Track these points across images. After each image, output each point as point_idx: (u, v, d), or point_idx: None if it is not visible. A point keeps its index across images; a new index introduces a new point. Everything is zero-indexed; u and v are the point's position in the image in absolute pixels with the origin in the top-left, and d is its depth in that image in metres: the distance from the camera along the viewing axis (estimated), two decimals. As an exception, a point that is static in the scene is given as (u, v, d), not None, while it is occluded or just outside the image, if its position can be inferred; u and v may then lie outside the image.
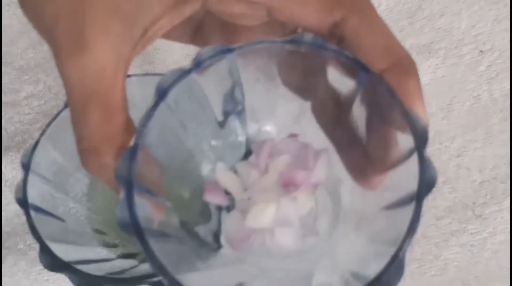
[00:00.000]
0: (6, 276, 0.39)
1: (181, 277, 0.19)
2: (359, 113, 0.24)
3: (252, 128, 0.28)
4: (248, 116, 0.27)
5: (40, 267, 0.38)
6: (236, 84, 0.25)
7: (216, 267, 0.25)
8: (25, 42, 0.46)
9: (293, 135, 0.26)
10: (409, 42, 0.43)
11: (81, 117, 0.21)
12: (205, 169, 0.27)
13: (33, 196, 0.32)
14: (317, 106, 0.26)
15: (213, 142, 0.27)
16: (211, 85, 0.24)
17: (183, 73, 0.21)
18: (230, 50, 0.22)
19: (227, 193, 0.26)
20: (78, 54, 0.21)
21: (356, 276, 0.21)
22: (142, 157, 0.20)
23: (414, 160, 0.20)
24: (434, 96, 0.42)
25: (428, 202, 0.40)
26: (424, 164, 0.20)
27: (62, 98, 0.43)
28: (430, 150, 0.43)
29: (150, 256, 0.19)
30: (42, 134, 0.33)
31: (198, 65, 0.21)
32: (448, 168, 0.40)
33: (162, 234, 0.22)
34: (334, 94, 0.24)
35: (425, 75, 0.42)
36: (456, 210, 0.39)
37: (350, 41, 0.22)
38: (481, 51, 0.42)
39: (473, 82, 0.42)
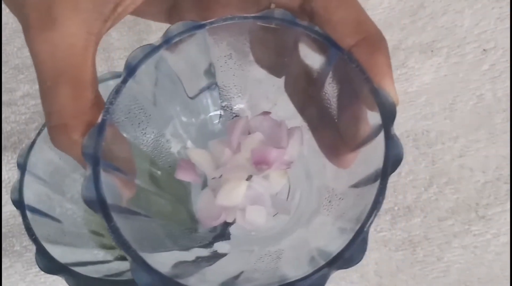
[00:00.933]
0: (2, 278, 0.39)
1: (146, 255, 0.19)
2: (331, 90, 0.24)
3: (225, 105, 0.28)
4: (221, 94, 0.27)
5: (36, 269, 0.38)
6: (210, 61, 0.25)
7: (189, 246, 0.25)
8: (21, 40, 0.46)
9: (266, 113, 0.26)
10: (411, 40, 0.42)
11: (50, 93, 0.21)
12: (177, 147, 0.27)
13: (29, 197, 0.31)
14: (290, 84, 0.26)
15: (184, 119, 0.27)
16: (183, 62, 0.24)
17: (152, 50, 0.21)
18: (200, 26, 0.22)
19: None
20: (47, 30, 0.21)
21: (321, 253, 0.21)
22: (110, 134, 0.20)
23: (382, 137, 0.20)
24: (436, 95, 0.41)
25: (431, 203, 0.40)
26: (390, 141, 0.20)
27: (59, 97, 0.43)
28: (433, 150, 0.42)
29: (114, 232, 0.19)
30: (38, 134, 0.33)
31: (167, 41, 0.21)
32: (450, 168, 0.40)
33: (131, 212, 0.22)
34: (306, 71, 0.24)
35: (427, 74, 0.41)
36: (459, 211, 0.39)
37: (320, 16, 0.22)
38: (484, 50, 0.42)
39: (476, 81, 0.41)
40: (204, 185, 0.26)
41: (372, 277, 0.38)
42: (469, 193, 0.39)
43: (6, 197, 0.40)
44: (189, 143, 0.27)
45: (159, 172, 0.27)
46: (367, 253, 0.19)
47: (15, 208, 0.31)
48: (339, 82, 0.23)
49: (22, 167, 0.32)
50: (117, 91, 0.21)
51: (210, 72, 0.26)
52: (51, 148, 0.33)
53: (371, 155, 0.21)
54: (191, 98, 0.27)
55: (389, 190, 0.40)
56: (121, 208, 0.21)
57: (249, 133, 0.25)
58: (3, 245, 0.40)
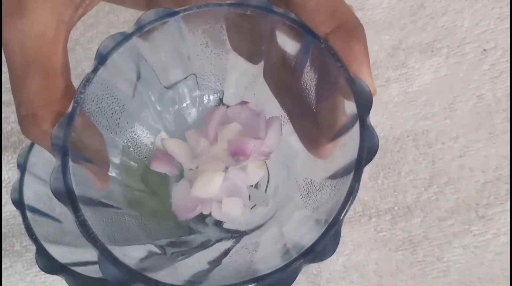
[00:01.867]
0: (2, 278, 0.39)
1: (115, 248, 0.19)
2: (309, 79, 0.23)
3: (202, 95, 0.27)
4: (197, 83, 0.27)
5: (36, 269, 0.38)
6: (184, 49, 0.24)
7: (165, 239, 0.25)
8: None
9: (244, 103, 0.25)
10: (411, 40, 0.42)
11: (20, 83, 0.21)
12: (152, 138, 0.27)
13: (29, 197, 0.31)
14: (269, 72, 0.25)
15: (159, 108, 0.27)
16: (158, 50, 0.23)
17: (124, 38, 0.21)
18: (173, 14, 0.21)
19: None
20: (17, 18, 0.21)
21: (295, 246, 0.20)
22: (80, 124, 0.20)
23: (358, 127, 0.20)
24: (436, 95, 0.41)
25: (431, 203, 0.39)
26: (365, 131, 0.19)
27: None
28: (433, 150, 0.42)
29: (80, 224, 0.19)
30: (38, 134, 0.32)
31: (139, 29, 0.21)
32: (450, 168, 0.40)
33: (102, 204, 0.22)
34: (285, 60, 0.24)
35: (427, 74, 0.41)
36: (459, 211, 0.39)
37: (295, 3, 0.22)
38: (484, 50, 0.42)
39: (476, 81, 0.41)
40: (181, 176, 0.25)
41: (372, 277, 0.38)
42: (469, 193, 0.39)
43: (6, 197, 0.40)
44: (164, 134, 0.27)
45: (134, 164, 0.27)
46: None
47: (15, 208, 0.31)
48: (317, 70, 0.22)
49: (22, 167, 0.32)
50: (87, 80, 0.20)
51: (186, 60, 0.25)
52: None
53: (348, 146, 0.21)
54: (166, 87, 0.26)
55: (389, 190, 0.40)
56: (91, 200, 0.20)
57: (226, 123, 0.25)
58: (3, 245, 0.40)
